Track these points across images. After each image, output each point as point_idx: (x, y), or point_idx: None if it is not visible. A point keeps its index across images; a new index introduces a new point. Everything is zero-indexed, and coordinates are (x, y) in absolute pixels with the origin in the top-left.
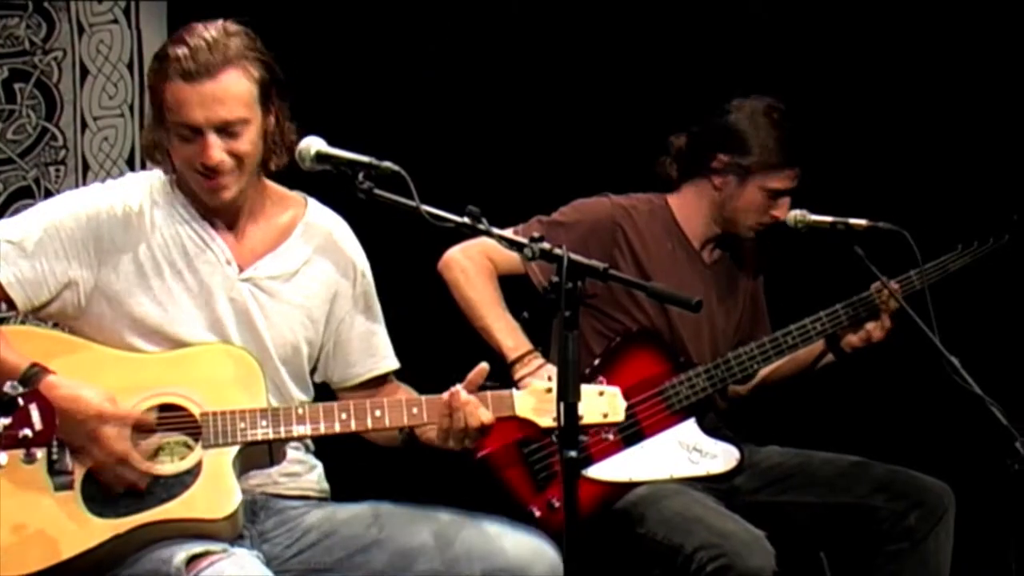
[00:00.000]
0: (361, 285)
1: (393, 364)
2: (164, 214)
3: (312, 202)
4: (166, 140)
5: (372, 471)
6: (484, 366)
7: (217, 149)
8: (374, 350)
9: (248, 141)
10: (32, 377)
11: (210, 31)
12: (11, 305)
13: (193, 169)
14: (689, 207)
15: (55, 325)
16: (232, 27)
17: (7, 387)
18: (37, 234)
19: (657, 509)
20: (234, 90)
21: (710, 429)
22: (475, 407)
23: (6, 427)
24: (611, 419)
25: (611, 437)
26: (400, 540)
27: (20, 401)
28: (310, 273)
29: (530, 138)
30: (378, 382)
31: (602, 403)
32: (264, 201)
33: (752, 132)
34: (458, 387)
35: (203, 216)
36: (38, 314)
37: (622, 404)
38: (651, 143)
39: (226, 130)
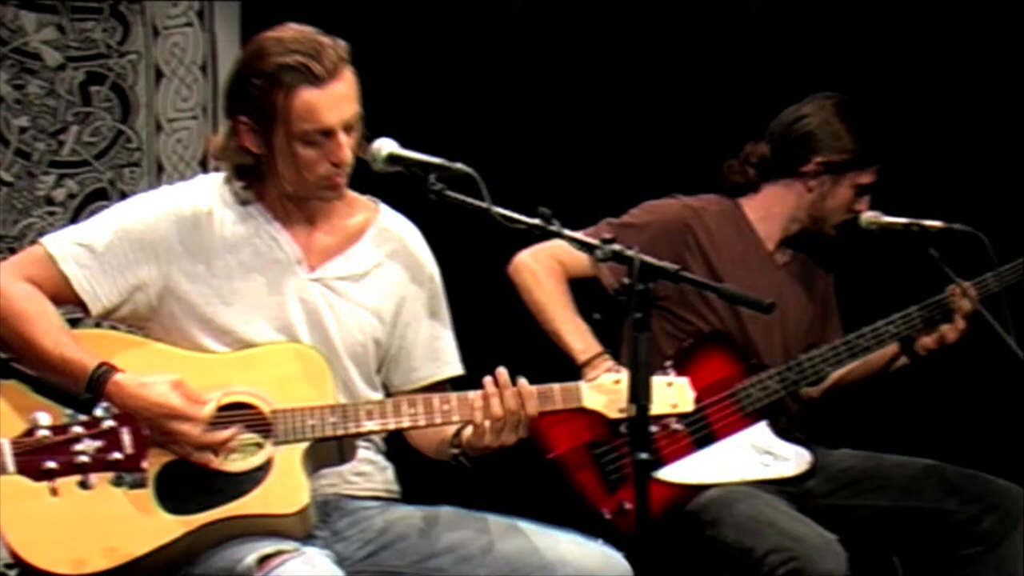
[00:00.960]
0: (430, 290)
1: (456, 370)
2: (234, 214)
3: (383, 207)
4: (270, 150)
5: (444, 473)
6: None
7: (347, 147)
8: (438, 355)
9: (358, 135)
10: (101, 376)
11: (311, 34)
12: (83, 308)
13: (318, 173)
14: (768, 208)
15: (127, 328)
16: (312, 27)
17: (99, 410)
18: (108, 237)
19: (728, 512)
20: (353, 86)
21: (782, 432)
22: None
23: (97, 450)
24: (680, 409)
25: (678, 428)
26: (471, 546)
27: (111, 423)
28: (380, 276)
29: (600, 140)
30: (438, 389)
31: (671, 393)
32: (337, 203)
33: (843, 130)
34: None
35: (274, 216)
36: (110, 317)
37: (691, 394)
38: (720, 145)
39: (350, 126)
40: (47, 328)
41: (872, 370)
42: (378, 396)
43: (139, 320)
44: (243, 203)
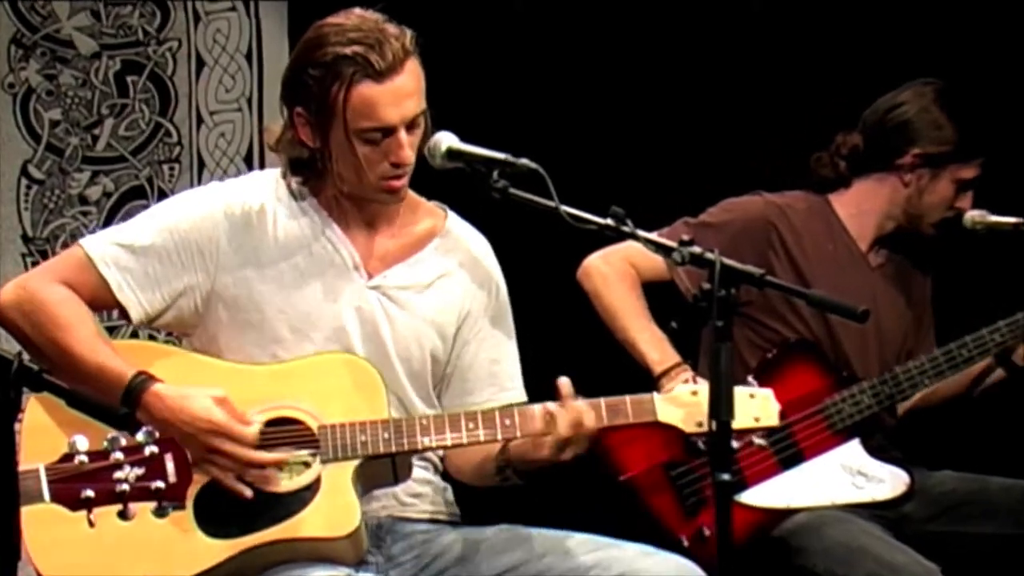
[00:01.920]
0: (495, 306)
1: (517, 397)
2: (288, 214)
3: (452, 214)
4: (327, 145)
5: (504, 493)
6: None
7: (408, 147)
8: (497, 378)
9: (421, 134)
10: (139, 386)
11: (377, 20)
12: (123, 314)
13: (377, 172)
14: (860, 205)
15: (169, 337)
16: (379, 14)
17: (140, 435)
18: (150, 237)
19: (818, 538)
20: (417, 81)
21: (877, 451)
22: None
23: (139, 478)
24: (764, 423)
25: (761, 443)
26: (536, 565)
27: (154, 449)
28: (444, 287)
29: (674, 135)
30: None
31: (754, 406)
32: (399, 206)
33: (944, 120)
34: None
35: (332, 217)
36: (153, 324)
37: (775, 407)
38: (804, 139)
39: (413, 123)
40: (84, 335)
41: (961, 387)
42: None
43: (184, 327)
44: (299, 201)
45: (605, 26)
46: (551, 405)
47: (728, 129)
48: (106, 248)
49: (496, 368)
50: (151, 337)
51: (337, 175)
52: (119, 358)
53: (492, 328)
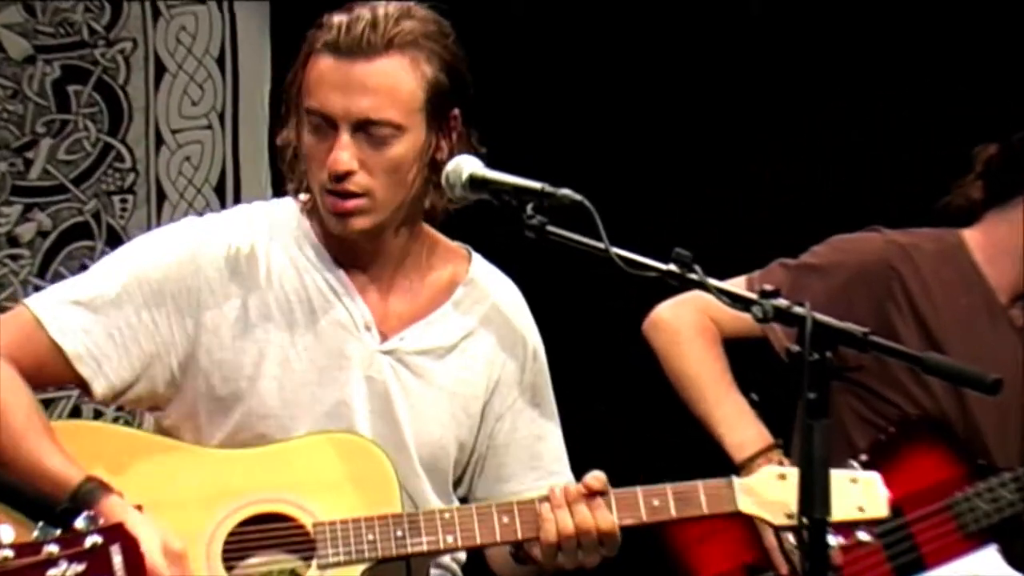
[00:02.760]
0: (532, 371)
1: (564, 482)
2: (285, 257)
3: (477, 257)
4: (297, 138)
5: None
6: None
7: (347, 153)
8: (540, 460)
9: (395, 156)
10: (86, 496)
11: (387, 6)
12: (83, 388)
13: (318, 179)
14: (999, 244)
15: (120, 413)
16: (419, 9)
17: (80, 521)
18: (113, 290)
19: None
20: (388, 82)
21: (1020, 561)
22: (593, 507)
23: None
24: (869, 515)
25: (868, 539)
26: None
27: (97, 540)
28: (470, 351)
29: (673, 138)
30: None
31: (856, 493)
32: (422, 250)
33: None
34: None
35: (339, 263)
36: (121, 399)
37: (884, 494)
38: (804, 143)
39: (367, 131)
40: (21, 426)
41: None
42: None
43: (155, 401)
44: (299, 241)
45: (603, 29)
46: (555, 502)
47: (727, 133)
48: (59, 308)
49: (539, 447)
50: (96, 415)
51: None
52: (63, 455)
53: (530, 398)
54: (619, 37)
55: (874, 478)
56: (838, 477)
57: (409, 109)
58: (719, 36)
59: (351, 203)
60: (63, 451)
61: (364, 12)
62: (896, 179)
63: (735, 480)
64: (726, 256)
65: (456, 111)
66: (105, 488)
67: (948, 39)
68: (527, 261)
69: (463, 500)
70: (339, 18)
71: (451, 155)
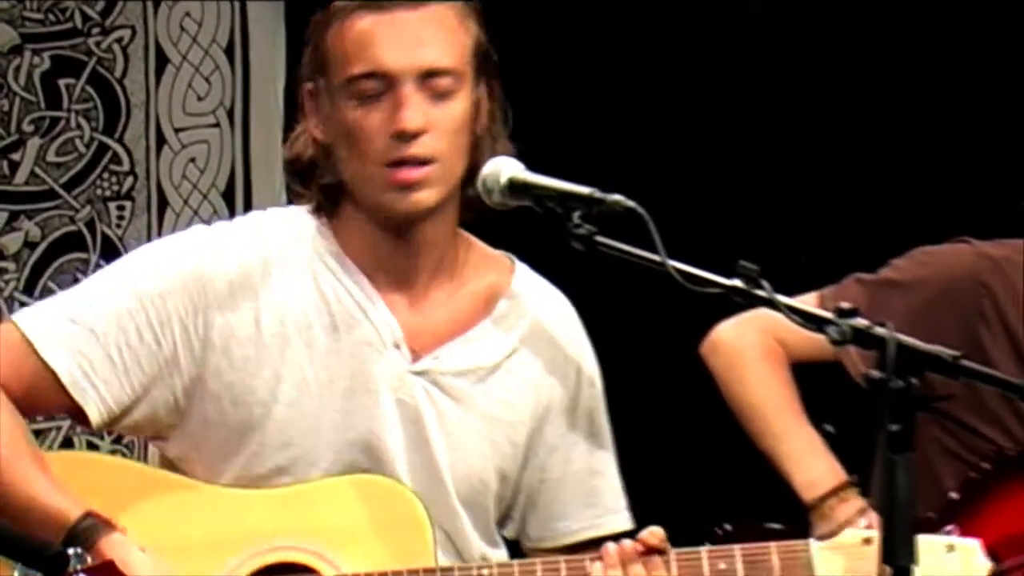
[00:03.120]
0: (587, 397)
1: (623, 523)
2: (303, 268)
3: (521, 267)
4: (329, 126)
5: None
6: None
7: (417, 109)
8: (597, 497)
9: (459, 114)
10: (84, 534)
11: None
12: (77, 416)
13: (377, 152)
14: None
15: (116, 445)
16: None
17: (71, 557)
18: (111, 307)
19: None
20: (445, 26)
21: None
22: (650, 567)
23: None
24: None
25: None
26: None
27: None
28: (514, 372)
29: (672, 139)
30: (594, 547)
31: (953, 563)
32: (457, 255)
33: None
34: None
35: (365, 271)
36: (118, 426)
37: (984, 565)
38: (805, 143)
39: (430, 84)
40: (11, 457)
41: None
42: (500, 556)
43: (157, 430)
44: (319, 250)
45: (602, 29)
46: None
47: (727, 133)
48: (51, 326)
49: (596, 482)
50: (91, 447)
51: (346, 174)
52: (60, 490)
53: (586, 428)
54: (618, 37)
55: (973, 546)
56: (931, 544)
57: (465, 60)
58: (719, 36)
59: (420, 172)
60: (57, 483)
61: None
62: (896, 179)
63: (812, 544)
64: (726, 256)
65: (495, 82)
66: (106, 525)
67: (948, 39)
68: (566, 271)
69: (515, 540)
70: None
71: (488, 135)
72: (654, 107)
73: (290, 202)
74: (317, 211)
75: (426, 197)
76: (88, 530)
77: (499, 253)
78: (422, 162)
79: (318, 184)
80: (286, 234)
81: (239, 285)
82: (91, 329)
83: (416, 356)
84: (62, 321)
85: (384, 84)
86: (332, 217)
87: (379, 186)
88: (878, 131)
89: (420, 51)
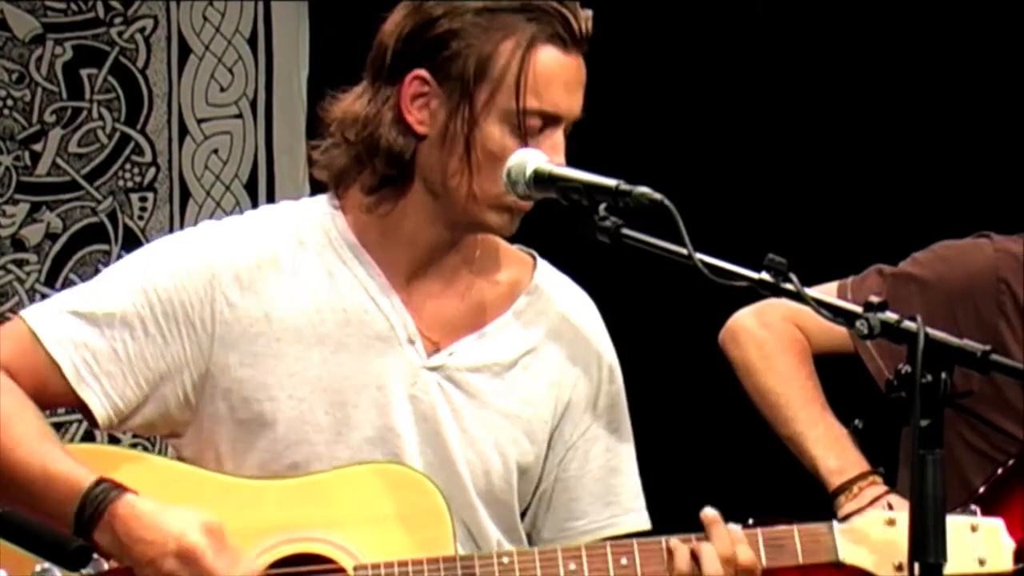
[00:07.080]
0: (607, 393)
1: (640, 522)
2: (316, 262)
3: (542, 263)
4: (451, 125)
5: None
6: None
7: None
8: (617, 495)
9: None
10: (100, 497)
11: None
12: (84, 411)
13: (500, 182)
14: None
15: (137, 439)
16: None
17: (88, 570)
18: (119, 302)
19: None
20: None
21: None
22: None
23: None
24: (991, 568)
25: None
26: None
27: None
28: (534, 368)
29: (673, 138)
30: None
31: (976, 543)
32: (476, 251)
33: None
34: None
35: (381, 264)
36: (126, 425)
37: (1008, 545)
38: (806, 143)
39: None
40: (24, 432)
41: None
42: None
43: (169, 427)
44: (335, 245)
45: (602, 28)
46: (692, 537)
47: (727, 133)
48: (58, 320)
49: (614, 481)
50: (112, 440)
51: (444, 176)
52: (72, 461)
53: (606, 425)
54: (618, 37)
55: (997, 526)
56: (955, 524)
57: None
58: (720, 36)
59: (530, 203)
60: (69, 453)
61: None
62: (896, 179)
63: (836, 525)
64: (726, 256)
65: None
66: (119, 488)
67: (948, 39)
68: (585, 264)
69: (527, 537)
70: (551, 3)
71: None
72: (654, 107)
73: (313, 194)
74: (369, 191)
75: (516, 222)
76: (103, 492)
77: (519, 248)
78: None
79: (383, 169)
80: (299, 228)
81: (249, 280)
82: (96, 323)
83: (432, 351)
84: (67, 315)
85: (545, 122)
86: (354, 209)
87: (490, 205)
88: (878, 131)
89: (578, 100)
